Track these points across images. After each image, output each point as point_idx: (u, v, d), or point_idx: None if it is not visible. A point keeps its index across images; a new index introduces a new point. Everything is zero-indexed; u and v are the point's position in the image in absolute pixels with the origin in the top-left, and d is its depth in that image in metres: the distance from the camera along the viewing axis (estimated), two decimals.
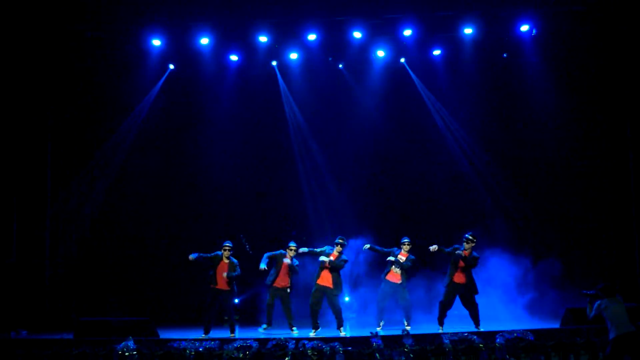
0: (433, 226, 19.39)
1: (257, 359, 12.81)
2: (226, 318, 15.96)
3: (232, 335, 14.97)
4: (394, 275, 16.10)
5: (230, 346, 12.91)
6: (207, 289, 15.22)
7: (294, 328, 15.67)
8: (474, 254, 15.13)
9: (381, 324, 15.97)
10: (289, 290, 15.92)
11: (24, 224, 18.26)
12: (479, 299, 15.32)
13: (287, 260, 15.85)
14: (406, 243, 16.21)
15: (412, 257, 16.05)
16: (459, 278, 15.05)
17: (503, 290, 17.57)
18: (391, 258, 16.16)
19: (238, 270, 15.32)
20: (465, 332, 13.25)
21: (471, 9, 18.37)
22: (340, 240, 15.30)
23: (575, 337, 13.09)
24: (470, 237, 15.13)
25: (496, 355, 12.74)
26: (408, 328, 14.66)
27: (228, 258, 15.31)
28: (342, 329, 14.95)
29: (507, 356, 12.70)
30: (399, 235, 16.70)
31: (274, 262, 15.89)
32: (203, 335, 14.65)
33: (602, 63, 18.82)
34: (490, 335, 13.10)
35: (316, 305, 15.14)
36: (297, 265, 15.95)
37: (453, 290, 15.09)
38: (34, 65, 18.46)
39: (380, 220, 19.59)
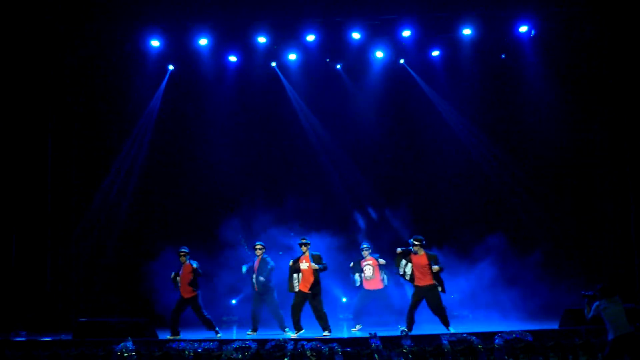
0: (441, 222, 19.44)
1: None
2: (225, 319, 15.95)
3: (218, 335, 14.97)
4: (368, 282, 16.28)
5: (229, 347, 12.91)
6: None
7: (287, 329, 15.69)
8: (429, 252, 15.00)
9: (357, 327, 16.17)
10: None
11: (25, 225, 18.24)
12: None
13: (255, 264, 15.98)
14: (365, 248, 16.43)
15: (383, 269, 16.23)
16: (420, 281, 14.81)
17: (500, 288, 17.63)
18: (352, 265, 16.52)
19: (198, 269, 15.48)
20: (464, 333, 13.23)
21: (470, 9, 18.41)
22: (303, 240, 15.37)
23: (574, 338, 13.08)
24: (414, 241, 14.90)
25: (495, 356, 12.73)
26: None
27: (185, 262, 15.46)
28: (326, 332, 14.92)
29: (506, 357, 12.70)
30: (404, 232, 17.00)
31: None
32: (169, 336, 14.79)
33: (600, 64, 18.83)
34: (489, 336, 13.07)
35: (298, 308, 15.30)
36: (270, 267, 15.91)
37: (418, 294, 14.90)
38: (30, 73, 18.47)
39: (385, 218, 19.61)
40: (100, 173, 19.47)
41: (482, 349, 12.75)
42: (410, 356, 12.70)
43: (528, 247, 18.79)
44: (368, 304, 16.48)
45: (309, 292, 14.97)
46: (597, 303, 11.26)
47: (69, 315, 17.97)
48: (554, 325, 14.43)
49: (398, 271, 14.95)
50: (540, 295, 17.79)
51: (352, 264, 16.51)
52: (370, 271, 16.28)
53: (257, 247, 16.08)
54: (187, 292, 15.23)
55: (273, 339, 13.10)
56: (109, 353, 13.07)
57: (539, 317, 16.99)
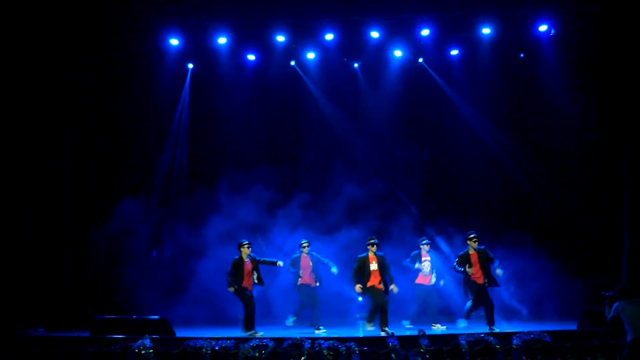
0: (459, 220, 19.37)
1: (273, 358, 12.84)
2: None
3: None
4: (425, 278, 16.52)
5: (246, 345, 12.93)
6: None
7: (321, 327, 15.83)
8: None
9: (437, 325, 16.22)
10: None
11: (42, 222, 18.31)
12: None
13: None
14: (426, 243, 16.63)
15: None
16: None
17: (519, 288, 17.60)
18: None
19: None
20: (482, 333, 13.20)
21: (489, 8, 18.35)
22: (372, 240, 15.26)
23: (592, 339, 13.02)
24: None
25: (512, 357, 12.70)
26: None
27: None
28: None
29: (524, 357, 12.66)
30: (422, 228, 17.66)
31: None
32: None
33: (621, 63, 18.63)
34: (507, 336, 13.05)
35: None
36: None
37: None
38: (49, 71, 18.53)
39: (402, 215, 19.57)
40: (120, 166, 19.61)
41: (499, 349, 12.72)
42: (428, 356, 12.68)
43: (547, 246, 18.72)
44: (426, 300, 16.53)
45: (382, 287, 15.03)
46: (616, 304, 11.19)
47: (87, 312, 18.04)
48: (572, 326, 14.36)
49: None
50: (559, 295, 17.74)
51: (412, 255, 16.58)
52: (428, 267, 16.40)
53: (305, 244, 16.38)
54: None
55: (290, 337, 13.10)
56: (126, 350, 13.11)
57: (557, 318, 16.94)
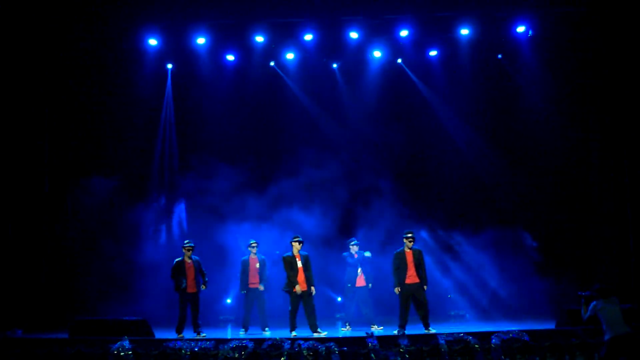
0: (436, 221, 19.39)
1: (253, 359, 12.84)
2: (221, 317, 15.92)
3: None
4: (358, 279, 16.30)
5: (225, 346, 12.92)
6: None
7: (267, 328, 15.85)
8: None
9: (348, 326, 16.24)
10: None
11: (21, 222, 18.19)
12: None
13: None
14: (354, 244, 16.48)
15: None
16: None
17: (498, 288, 17.66)
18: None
19: None
20: (461, 333, 13.22)
21: (468, 9, 18.42)
22: (297, 238, 15.15)
23: (570, 338, 13.09)
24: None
25: (492, 356, 12.74)
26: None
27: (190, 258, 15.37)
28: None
29: (503, 357, 12.70)
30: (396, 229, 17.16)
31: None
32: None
33: (598, 65, 18.78)
34: (486, 335, 13.08)
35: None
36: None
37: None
38: (26, 72, 18.44)
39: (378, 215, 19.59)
40: (95, 169, 19.41)
41: (478, 349, 12.76)
42: (407, 356, 12.70)
43: (525, 248, 18.78)
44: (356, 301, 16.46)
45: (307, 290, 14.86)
46: (594, 303, 11.26)
47: (66, 314, 17.93)
48: (551, 325, 14.44)
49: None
50: (538, 295, 17.82)
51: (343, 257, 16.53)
52: (358, 269, 16.29)
53: (253, 244, 16.17)
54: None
55: (270, 338, 13.10)
56: (105, 352, 13.06)
57: (536, 317, 17.02)
